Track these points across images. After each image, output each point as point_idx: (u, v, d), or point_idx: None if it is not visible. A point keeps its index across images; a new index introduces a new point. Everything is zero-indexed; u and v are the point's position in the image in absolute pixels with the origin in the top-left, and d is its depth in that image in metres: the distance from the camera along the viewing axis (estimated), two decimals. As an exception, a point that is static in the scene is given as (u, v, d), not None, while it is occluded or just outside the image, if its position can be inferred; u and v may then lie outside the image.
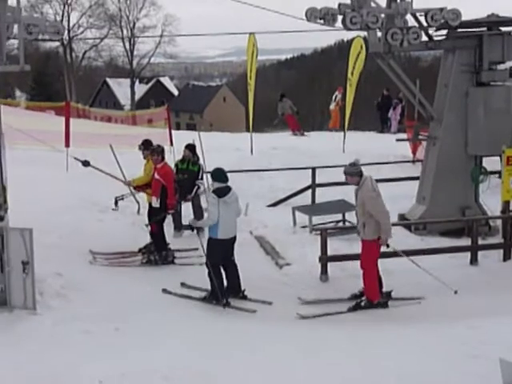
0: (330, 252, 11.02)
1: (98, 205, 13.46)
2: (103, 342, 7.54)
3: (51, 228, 11.23)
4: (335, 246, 11.56)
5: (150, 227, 11.36)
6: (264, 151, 19.09)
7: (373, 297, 9.62)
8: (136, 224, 12.58)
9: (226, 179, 9.61)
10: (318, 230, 11.74)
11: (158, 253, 11.17)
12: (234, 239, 9.73)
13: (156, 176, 11.20)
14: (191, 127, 54.29)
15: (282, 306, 9.49)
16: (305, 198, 15.15)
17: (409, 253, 11.42)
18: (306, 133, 25.24)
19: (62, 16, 68.15)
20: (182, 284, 10.04)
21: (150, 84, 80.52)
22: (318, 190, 15.33)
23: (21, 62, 7.52)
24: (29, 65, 7.87)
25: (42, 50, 71.29)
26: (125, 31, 70.56)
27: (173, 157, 15.50)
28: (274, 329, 8.20)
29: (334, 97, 26.26)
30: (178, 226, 12.67)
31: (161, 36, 67.42)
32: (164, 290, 9.61)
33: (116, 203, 11.91)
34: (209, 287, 9.53)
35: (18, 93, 67.37)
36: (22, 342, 7.42)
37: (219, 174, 9.67)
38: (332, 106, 26.57)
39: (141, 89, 77.17)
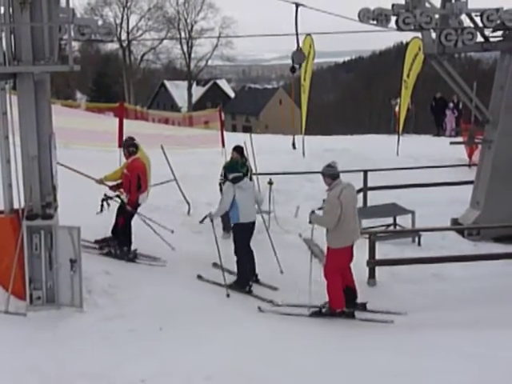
0: (378, 256, 10.86)
1: (148, 204, 13.55)
2: (147, 340, 7.57)
3: (101, 227, 11.35)
4: (384, 250, 11.38)
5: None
6: (316, 153, 18.98)
7: (335, 305, 9.29)
8: (186, 224, 12.65)
9: (239, 170, 10.67)
10: (366, 233, 11.58)
11: (119, 247, 10.76)
12: (253, 224, 10.43)
13: (124, 171, 10.98)
14: (247, 129, 54.44)
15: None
16: (356, 201, 14.98)
17: (461, 258, 11.22)
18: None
19: (122, 19, 69.39)
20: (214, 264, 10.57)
21: (206, 86, 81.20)
22: (369, 193, 15.15)
23: (70, 62, 7.65)
24: (79, 65, 7.99)
25: (102, 52, 72.76)
26: (183, 34, 71.30)
27: (224, 158, 15.56)
28: (319, 334, 8.10)
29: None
30: (227, 227, 12.67)
31: (218, 38, 67.86)
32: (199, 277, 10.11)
33: (102, 206, 11.04)
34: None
35: (78, 94, 68.89)
36: (69, 339, 7.51)
37: (233, 166, 10.91)
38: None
39: (198, 91, 77.89)
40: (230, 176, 10.39)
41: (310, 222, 9.69)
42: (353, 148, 20.15)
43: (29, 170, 8.18)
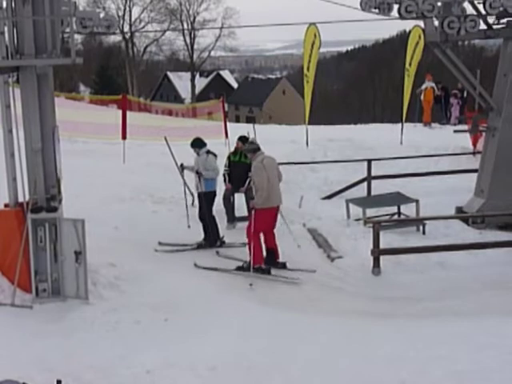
0: (383, 245, 10.87)
1: (153, 196, 13.60)
2: (153, 332, 7.61)
3: (106, 219, 11.39)
4: (389, 239, 11.39)
5: None
6: (320, 143, 18.96)
7: (254, 261, 10.15)
8: (189, 216, 12.67)
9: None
10: (371, 222, 11.58)
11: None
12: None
13: None
14: (251, 120, 54.37)
15: (332, 298, 9.41)
16: (360, 191, 15.00)
17: (466, 246, 11.23)
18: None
19: (124, 11, 69.13)
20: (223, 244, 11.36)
21: (210, 77, 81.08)
22: (373, 182, 15.14)
23: (72, 55, 7.66)
24: (81, 58, 8.00)
25: (105, 45, 72.66)
26: (185, 25, 71.09)
27: (227, 149, 15.57)
28: (324, 322, 8.10)
29: (423, 87, 24.38)
30: (231, 219, 12.72)
31: (221, 29, 67.65)
32: (195, 265, 10.30)
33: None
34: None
35: (81, 87, 68.85)
36: (74, 330, 7.55)
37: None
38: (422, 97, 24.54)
39: (201, 82, 77.78)
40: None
41: (253, 208, 10.45)
42: (356, 138, 20.12)
43: (33, 164, 8.20)
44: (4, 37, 7.88)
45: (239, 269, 10.34)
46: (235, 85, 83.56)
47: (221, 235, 11.67)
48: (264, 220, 10.35)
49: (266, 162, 10.38)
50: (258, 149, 10.63)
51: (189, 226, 11.86)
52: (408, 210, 13.69)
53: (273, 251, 10.61)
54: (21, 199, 8.34)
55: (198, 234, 11.50)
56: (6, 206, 8.34)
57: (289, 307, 8.79)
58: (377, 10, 11.90)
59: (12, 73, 8.14)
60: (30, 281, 8.18)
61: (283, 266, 10.61)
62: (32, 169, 8.23)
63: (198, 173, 11.64)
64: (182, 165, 11.97)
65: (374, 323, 8.23)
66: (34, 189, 8.23)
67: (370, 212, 13.21)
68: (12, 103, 8.15)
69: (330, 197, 15.26)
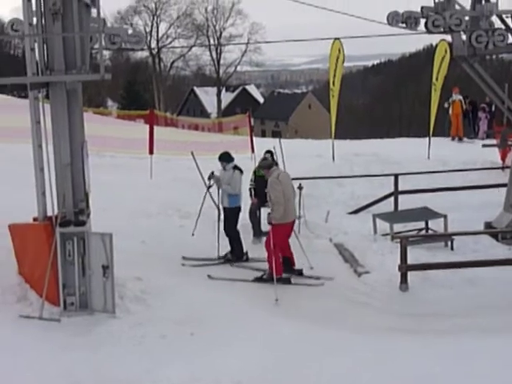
0: (410, 261, 10.77)
1: (179, 211, 13.66)
2: (178, 346, 7.62)
3: (133, 233, 11.46)
4: (416, 254, 11.29)
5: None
6: (346, 158, 18.91)
7: (274, 273, 10.38)
8: (216, 230, 12.69)
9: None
10: (398, 237, 11.50)
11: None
12: None
13: None
14: (276, 135, 54.42)
15: (358, 314, 9.33)
16: (387, 206, 14.92)
17: (495, 262, 11.09)
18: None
19: (151, 27, 69.97)
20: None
21: (236, 92, 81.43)
22: (400, 197, 15.05)
23: (101, 71, 7.73)
24: (110, 74, 8.08)
25: (133, 60, 73.43)
26: (212, 40, 71.62)
27: (254, 164, 15.59)
28: (349, 337, 8.04)
29: (450, 100, 24.27)
30: (258, 233, 12.72)
31: (247, 44, 68.02)
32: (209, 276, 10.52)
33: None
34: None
35: (109, 102, 69.58)
36: (101, 344, 7.57)
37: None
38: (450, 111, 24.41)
39: (227, 97, 78.15)
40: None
41: (270, 224, 10.72)
42: (383, 152, 20.04)
43: (62, 178, 8.28)
44: (34, 53, 7.99)
45: (258, 279, 10.59)
46: (261, 99, 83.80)
47: (245, 250, 11.67)
48: (282, 234, 10.66)
49: (281, 177, 10.66)
50: (273, 165, 11.03)
51: (193, 234, 12.02)
52: (436, 225, 13.58)
53: (288, 259, 10.89)
54: (50, 213, 8.41)
55: (224, 248, 11.54)
56: (35, 219, 8.42)
57: (314, 321, 8.73)
58: (404, 25, 11.87)
59: (42, 88, 8.24)
60: (58, 294, 8.23)
61: (300, 273, 10.90)
62: (61, 183, 8.31)
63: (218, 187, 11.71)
64: (212, 173, 11.90)
65: (400, 339, 8.14)
66: (63, 203, 8.30)
67: (397, 227, 13.12)
68: (42, 118, 8.24)
69: (356, 211, 15.20)
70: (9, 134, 17.51)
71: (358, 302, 9.92)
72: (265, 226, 12.80)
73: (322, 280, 10.71)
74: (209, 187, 12.12)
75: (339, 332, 8.19)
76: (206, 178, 12.02)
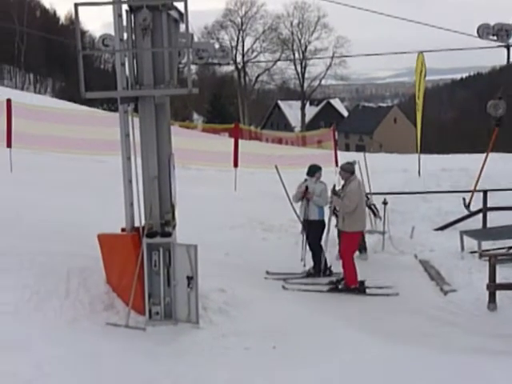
0: (499, 280, 10.42)
1: (263, 224, 13.74)
2: (261, 359, 7.59)
3: (217, 245, 11.59)
4: (506, 273, 10.91)
5: None
6: (432, 172, 18.55)
7: (350, 282, 10.80)
8: (299, 243, 12.68)
9: None
10: (487, 255, 11.14)
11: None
12: None
13: None
14: (361, 149, 54.01)
15: (444, 333, 9.08)
16: (475, 222, 14.50)
17: None
18: None
19: (237, 41, 71.04)
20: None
21: (320, 106, 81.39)
22: (489, 214, 14.59)
23: (189, 85, 7.85)
24: (197, 88, 8.19)
25: (218, 74, 74.65)
26: (296, 54, 71.97)
27: (337, 178, 15.50)
28: (434, 358, 7.83)
29: None
30: (364, 248, 12.58)
31: (332, 58, 67.99)
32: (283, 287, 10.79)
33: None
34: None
35: (195, 115, 70.91)
36: (185, 354, 7.64)
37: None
38: None
39: (311, 111, 78.25)
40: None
41: (331, 202, 11.42)
42: (472, 167, 19.49)
43: (149, 190, 8.44)
44: (125, 68, 8.20)
45: (333, 290, 10.83)
46: (345, 113, 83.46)
47: (328, 264, 11.59)
48: (355, 242, 11.11)
49: (362, 187, 11.27)
50: (354, 172, 11.34)
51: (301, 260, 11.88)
52: (527, 244, 13.08)
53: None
54: (137, 224, 8.61)
55: (308, 262, 11.51)
56: (122, 230, 8.60)
57: (399, 340, 8.55)
58: (495, 37, 11.59)
59: (131, 102, 8.44)
60: (143, 303, 8.36)
61: (362, 283, 10.97)
62: (148, 195, 8.47)
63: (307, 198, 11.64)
64: (334, 186, 11.56)
65: (488, 361, 7.86)
66: (150, 214, 8.45)
67: (486, 245, 12.73)
68: (131, 132, 8.45)
69: (442, 228, 14.85)
70: (98, 147, 18.10)
71: (443, 321, 9.65)
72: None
73: (395, 289, 10.80)
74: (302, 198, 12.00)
75: (425, 352, 7.97)
76: (298, 191, 11.91)
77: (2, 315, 7.25)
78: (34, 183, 15.34)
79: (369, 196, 13.02)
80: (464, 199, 14.61)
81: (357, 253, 12.19)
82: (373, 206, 13.25)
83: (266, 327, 8.47)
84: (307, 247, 11.84)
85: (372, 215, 13.50)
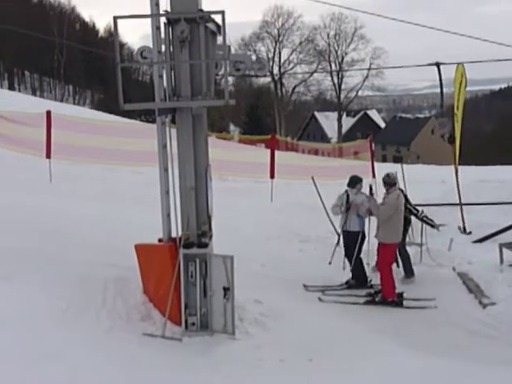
0: (539, 293, 10.23)
1: (299, 235, 13.71)
2: (297, 371, 7.54)
3: (253, 256, 11.59)
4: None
5: None
6: (471, 184, 18.31)
7: (387, 295, 10.78)
8: (336, 255, 12.60)
9: None
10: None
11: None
12: None
13: None
14: (398, 160, 53.61)
15: (484, 347, 8.93)
16: (515, 235, 14.24)
17: None
18: None
19: (274, 53, 71.32)
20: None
21: (357, 117, 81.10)
22: (528, 227, 14.34)
23: (226, 96, 7.89)
24: (234, 99, 8.23)
25: (255, 86, 74.94)
26: (333, 66, 71.90)
27: (375, 189, 15.39)
28: (474, 370, 7.70)
29: None
30: (410, 271, 12.34)
31: (369, 69, 67.78)
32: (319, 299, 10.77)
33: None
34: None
35: (231, 127, 71.27)
36: (221, 365, 7.62)
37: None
38: None
39: (348, 122, 78.01)
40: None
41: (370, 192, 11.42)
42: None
43: (186, 201, 8.48)
44: (162, 80, 8.28)
45: (370, 302, 10.81)
46: (382, 124, 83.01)
47: (368, 278, 11.48)
48: (390, 254, 11.07)
49: (400, 199, 11.23)
50: (395, 184, 11.42)
51: (330, 263, 11.86)
52: None
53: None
54: (174, 235, 8.65)
55: (346, 273, 11.44)
56: (160, 240, 8.66)
57: (437, 352, 8.44)
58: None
59: (169, 114, 8.51)
60: (179, 314, 8.38)
61: (401, 295, 10.92)
62: (185, 206, 8.51)
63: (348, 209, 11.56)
64: (370, 187, 11.61)
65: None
66: (187, 225, 8.49)
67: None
68: (168, 143, 8.52)
69: (481, 240, 14.62)
70: (136, 158, 18.27)
71: (483, 335, 9.49)
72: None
73: (433, 302, 10.70)
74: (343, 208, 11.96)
75: (464, 365, 7.85)
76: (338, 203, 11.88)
77: (40, 324, 7.33)
78: (73, 193, 15.56)
79: (419, 209, 12.79)
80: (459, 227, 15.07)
81: (403, 276, 12.16)
82: (425, 218, 12.94)
83: (302, 339, 8.43)
84: (345, 259, 11.74)
85: (428, 227, 13.15)
